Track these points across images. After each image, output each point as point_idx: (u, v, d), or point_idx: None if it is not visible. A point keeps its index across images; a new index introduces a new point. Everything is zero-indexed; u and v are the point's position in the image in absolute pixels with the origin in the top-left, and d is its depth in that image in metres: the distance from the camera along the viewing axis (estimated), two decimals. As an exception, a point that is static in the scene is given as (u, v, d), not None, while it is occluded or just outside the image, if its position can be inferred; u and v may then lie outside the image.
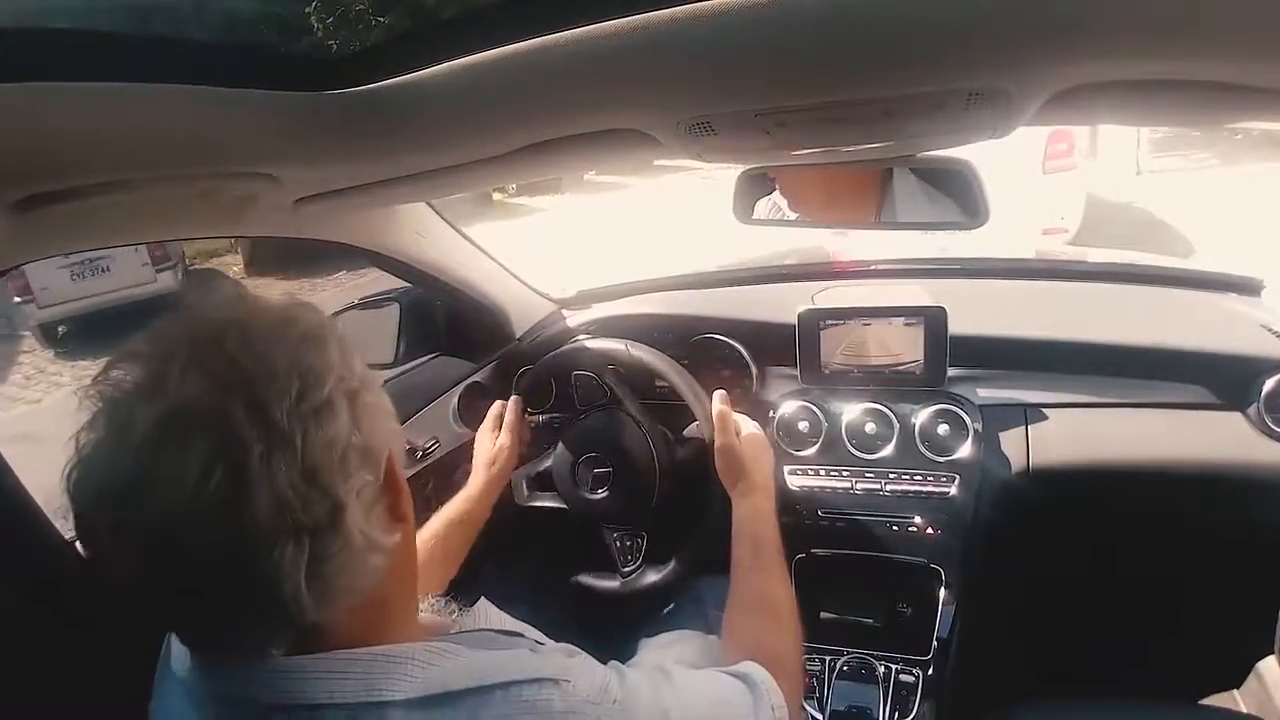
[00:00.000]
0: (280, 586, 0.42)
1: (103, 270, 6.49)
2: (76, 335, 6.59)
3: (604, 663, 0.55)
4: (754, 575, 0.84)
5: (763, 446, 1.04)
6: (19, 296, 6.39)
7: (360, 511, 0.45)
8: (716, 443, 1.01)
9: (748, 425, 1.06)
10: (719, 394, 1.07)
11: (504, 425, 1.15)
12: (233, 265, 8.68)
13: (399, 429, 0.53)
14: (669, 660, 0.80)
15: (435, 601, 0.74)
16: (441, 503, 1.37)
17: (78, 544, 0.87)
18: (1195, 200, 6.29)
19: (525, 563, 1.31)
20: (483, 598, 0.61)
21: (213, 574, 0.42)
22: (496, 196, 10.77)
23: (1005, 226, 4.17)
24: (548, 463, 1.26)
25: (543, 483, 1.27)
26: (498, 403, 1.17)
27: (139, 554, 0.42)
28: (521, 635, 0.58)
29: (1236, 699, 1.30)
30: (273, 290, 7.70)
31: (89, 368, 5.79)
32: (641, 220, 8.12)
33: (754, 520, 0.91)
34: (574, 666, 0.51)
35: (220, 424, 0.41)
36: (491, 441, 1.11)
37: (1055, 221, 4.51)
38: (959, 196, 0.86)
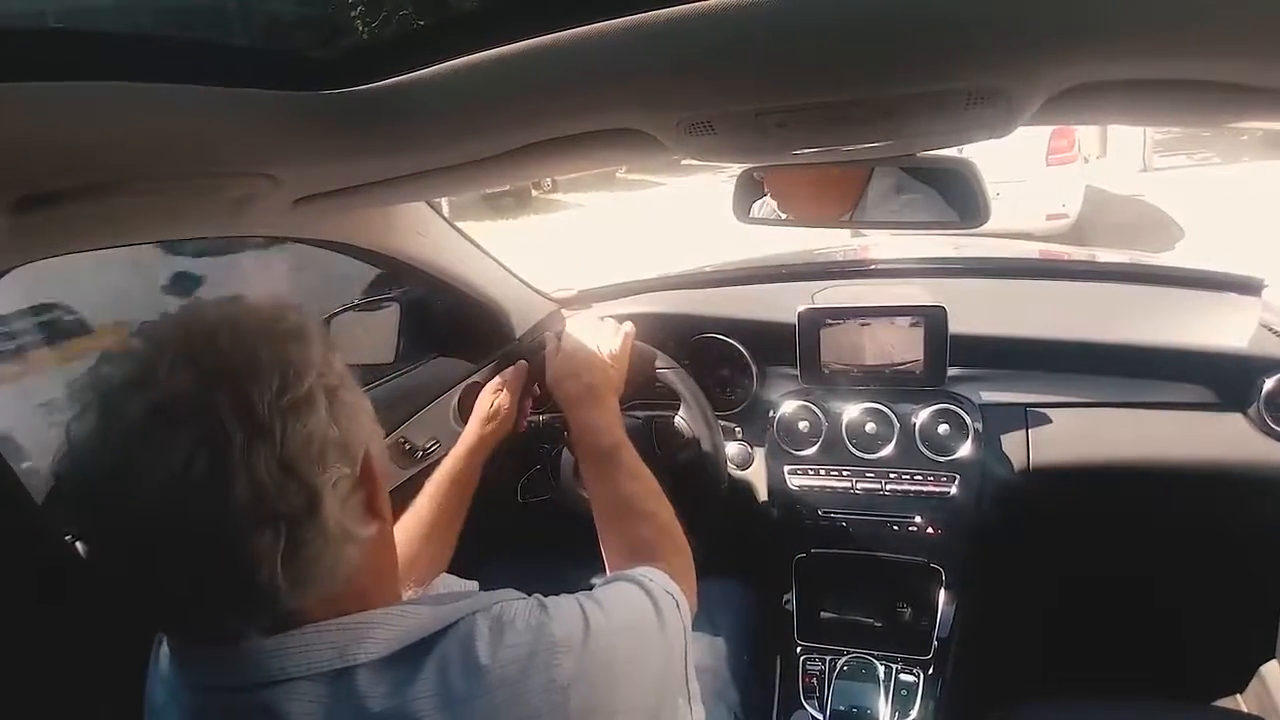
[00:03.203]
0: (257, 572, 0.43)
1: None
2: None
3: None
4: (602, 486, 0.83)
5: (592, 357, 0.96)
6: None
7: (336, 503, 0.46)
8: (547, 376, 0.97)
9: (584, 335, 0.99)
10: (549, 336, 1.01)
11: (508, 388, 1.09)
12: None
13: (377, 428, 0.54)
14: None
15: (413, 593, 0.74)
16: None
17: (78, 544, 0.87)
18: (1195, 194, 6.82)
19: (525, 561, 1.31)
20: (443, 574, 0.63)
21: (192, 558, 0.43)
22: (534, 192, 11.17)
23: (1015, 210, 4.91)
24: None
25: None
26: (510, 369, 1.12)
27: (123, 538, 0.44)
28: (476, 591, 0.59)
29: (1239, 702, 1.30)
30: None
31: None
32: (673, 216, 8.31)
33: (585, 433, 0.88)
34: (510, 595, 0.55)
35: (205, 414, 0.42)
36: (491, 401, 1.07)
37: (1057, 208, 5.20)
38: (960, 197, 0.86)
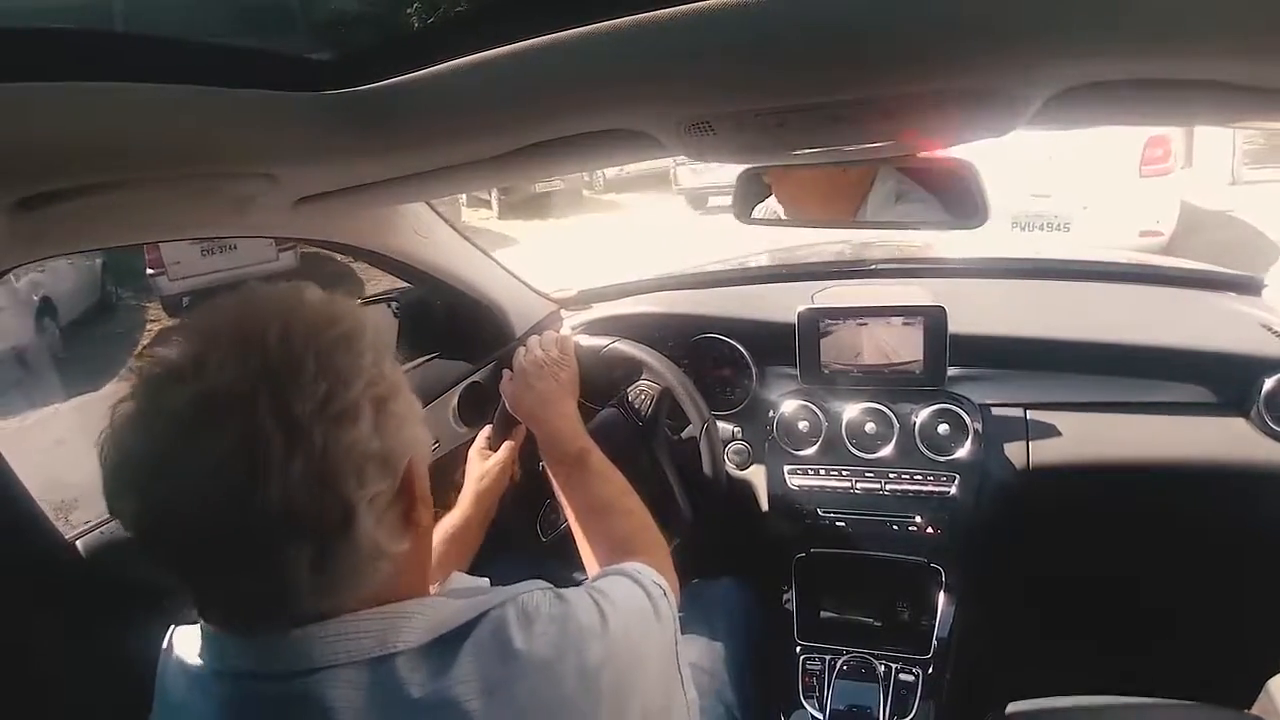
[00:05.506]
0: (284, 576, 0.44)
1: (230, 248, 6.74)
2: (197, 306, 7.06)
3: None
4: (576, 492, 0.87)
5: (539, 369, 1.00)
6: (151, 269, 6.73)
7: (371, 518, 0.46)
8: (507, 403, 1.02)
9: (528, 354, 1.03)
10: (504, 372, 1.04)
11: (491, 444, 1.14)
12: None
13: (425, 436, 0.53)
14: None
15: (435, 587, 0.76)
16: (440, 503, 1.37)
17: (77, 544, 0.87)
18: (1288, 210, 6.07)
19: (527, 562, 1.31)
20: (454, 571, 0.67)
21: (222, 553, 0.44)
22: (585, 193, 11.22)
23: (1105, 226, 4.37)
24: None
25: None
26: (487, 427, 1.17)
27: (158, 525, 0.45)
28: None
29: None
30: (367, 275, 7.95)
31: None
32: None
33: (552, 444, 0.92)
34: (530, 586, 0.56)
35: (245, 414, 0.42)
36: (483, 459, 1.10)
37: (1151, 225, 4.57)
38: (959, 197, 0.86)
